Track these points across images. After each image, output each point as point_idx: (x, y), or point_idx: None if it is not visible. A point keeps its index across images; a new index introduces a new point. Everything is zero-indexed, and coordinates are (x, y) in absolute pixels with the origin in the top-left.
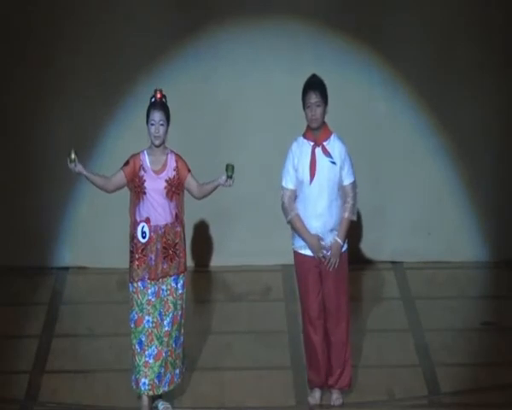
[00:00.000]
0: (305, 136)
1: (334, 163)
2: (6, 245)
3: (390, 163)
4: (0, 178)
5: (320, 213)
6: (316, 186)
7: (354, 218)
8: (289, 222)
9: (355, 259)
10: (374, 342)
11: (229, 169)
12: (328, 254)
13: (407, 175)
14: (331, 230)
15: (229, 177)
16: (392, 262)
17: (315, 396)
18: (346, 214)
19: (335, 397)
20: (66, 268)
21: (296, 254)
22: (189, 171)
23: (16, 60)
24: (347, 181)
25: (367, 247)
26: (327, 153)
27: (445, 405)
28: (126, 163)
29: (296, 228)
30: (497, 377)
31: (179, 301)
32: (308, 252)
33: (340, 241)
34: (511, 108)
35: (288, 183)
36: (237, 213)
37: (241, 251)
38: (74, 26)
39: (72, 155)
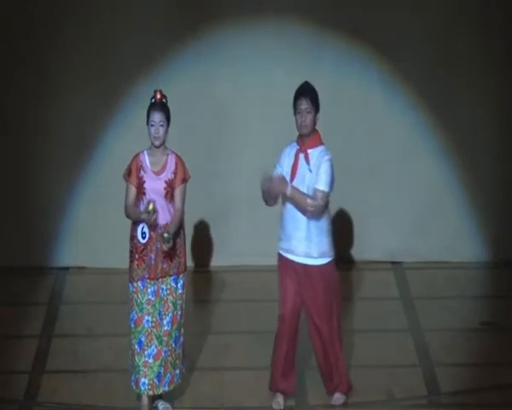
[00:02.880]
0: (296, 140)
1: (310, 171)
2: (6, 245)
3: (390, 163)
4: (0, 177)
5: (297, 218)
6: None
7: (309, 208)
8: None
9: (355, 259)
10: (374, 342)
11: (165, 239)
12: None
13: (407, 175)
14: (306, 237)
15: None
16: (392, 262)
17: (278, 401)
18: (308, 200)
19: (336, 397)
20: (66, 268)
21: (278, 254)
22: (184, 181)
23: (16, 60)
24: (317, 185)
25: (366, 247)
26: (307, 160)
27: (444, 405)
28: (129, 173)
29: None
30: (497, 377)
31: (179, 301)
32: (288, 255)
33: (289, 185)
34: (511, 108)
35: None
36: (237, 213)
37: (241, 251)
38: (74, 26)
39: (150, 207)
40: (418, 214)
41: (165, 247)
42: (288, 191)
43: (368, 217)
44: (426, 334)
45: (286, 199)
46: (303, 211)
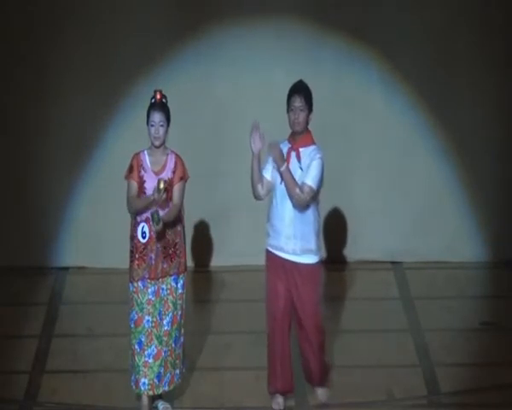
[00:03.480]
0: (288, 138)
1: (301, 169)
2: (6, 245)
3: (390, 163)
4: (0, 177)
5: (285, 215)
6: (284, 187)
7: (295, 196)
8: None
9: (354, 259)
10: (373, 343)
11: (154, 219)
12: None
13: (407, 175)
14: (295, 236)
15: (155, 223)
16: (392, 262)
17: (278, 402)
18: (297, 189)
19: (321, 392)
20: (66, 268)
21: (266, 251)
22: (182, 179)
23: (16, 60)
24: (305, 180)
25: (366, 247)
26: (299, 158)
27: (444, 405)
28: (130, 170)
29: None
30: (497, 377)
31: (179, 301)
32: (277, 252)
33: (285, 163)
34: (511, 108)
35: (265, 171)
36: (237, 213)
37: (241, 251)
38: (74, 26)
39: (162, 185)
40: (418, 214)
41: (154, 228)
42: (283, 168)
43: (368, 217)
44: (426, 334)
45: (278, 173)
46: (290, 196)
